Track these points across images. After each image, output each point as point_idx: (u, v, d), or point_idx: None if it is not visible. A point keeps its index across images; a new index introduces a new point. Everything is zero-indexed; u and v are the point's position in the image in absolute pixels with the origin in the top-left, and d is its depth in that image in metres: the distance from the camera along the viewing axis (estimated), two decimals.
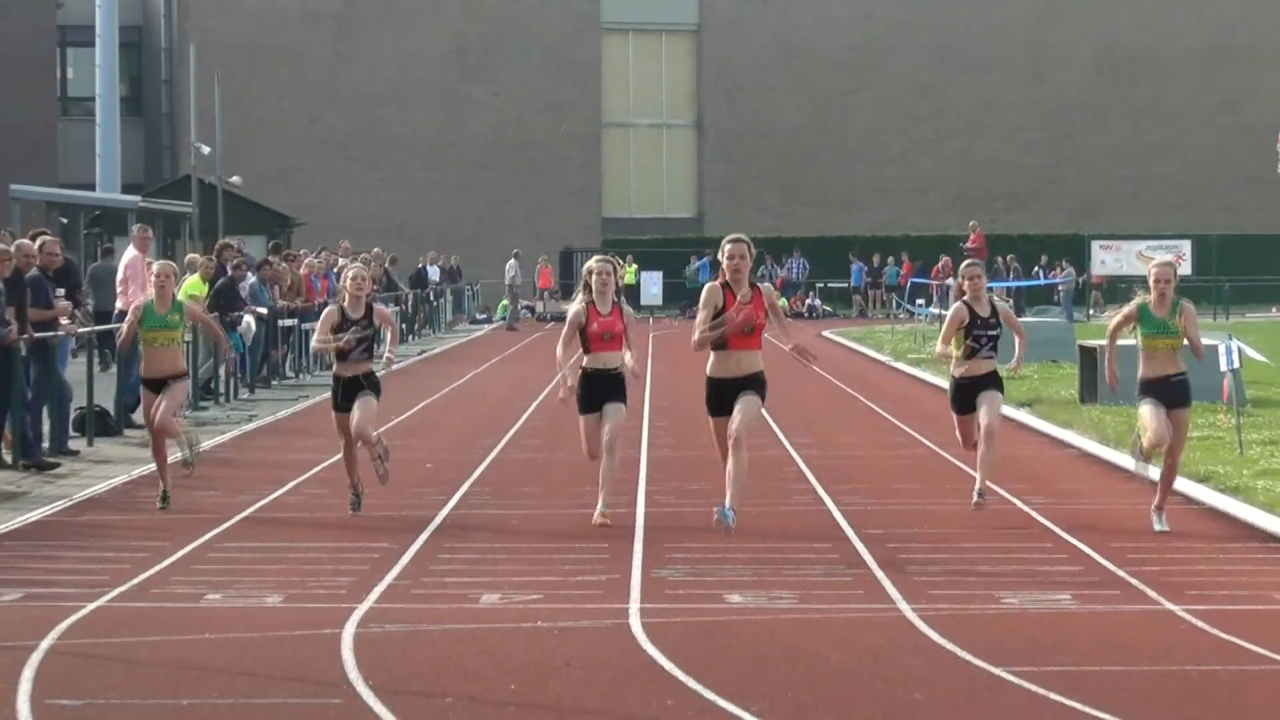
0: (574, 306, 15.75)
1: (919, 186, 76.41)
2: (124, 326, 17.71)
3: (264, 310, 30.57)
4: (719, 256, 14.60)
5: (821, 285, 66.45)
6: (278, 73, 73.06)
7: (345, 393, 16.16)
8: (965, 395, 15.81)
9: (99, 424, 23.17)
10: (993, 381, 15.83)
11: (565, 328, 15.59)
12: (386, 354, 16.61)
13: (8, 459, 20.09)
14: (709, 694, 9.53)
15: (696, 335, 14.41)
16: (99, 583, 12.88)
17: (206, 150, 53.90)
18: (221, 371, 28.48)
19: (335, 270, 42.36)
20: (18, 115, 62.31)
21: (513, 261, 58.66)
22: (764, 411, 14.57)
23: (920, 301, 53.37)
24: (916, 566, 13.43)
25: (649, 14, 78.21)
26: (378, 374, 16.36)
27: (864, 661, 10.41)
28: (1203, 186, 76.49)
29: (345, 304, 16.26)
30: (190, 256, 31.94)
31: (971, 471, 16.23)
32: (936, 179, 76.70)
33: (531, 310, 62.42)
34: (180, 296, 28.60)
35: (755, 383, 14.37)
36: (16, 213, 45.42)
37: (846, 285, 67.41)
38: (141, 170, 70.63)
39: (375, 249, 51.56)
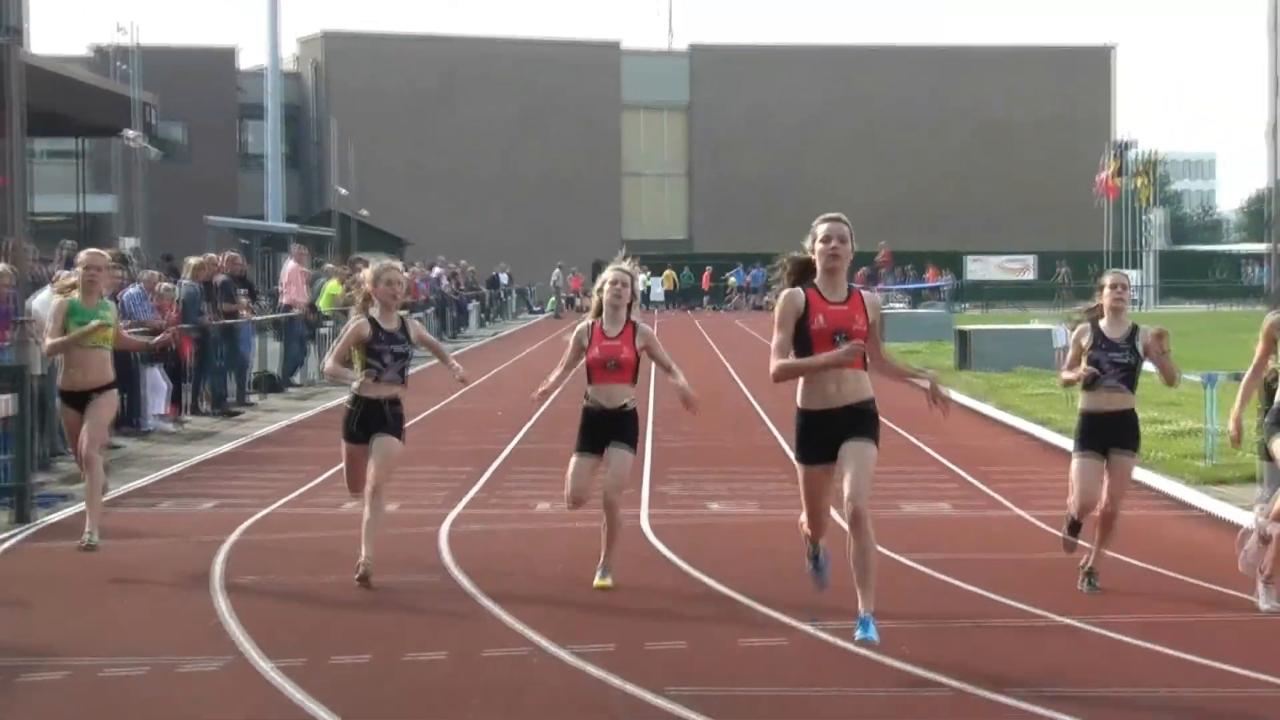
0: (579, 325, 9.34)
1: (853, 217, 75.70)
2: (46, 337, 10.25)
3: None
4: (808, 243, 7.43)
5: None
6: (393, 136, 73.27)
7: (364, 420, 9.30)
8: (1094, 432, 8.95)
9: (269, 384, 23.29)
10: (1128, 430, 8.90)
11: (568, 350, 9.28)
12: (461, 373, 9.60)
13: (206, 408, 20.19)
14: (698, 574, 9.55)
15: (776, 362, 7.10)
16: (268, 495, 12.94)
17: (344, 192, 53.94)
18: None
19: (435, 277, 42.38)
20: (210, 167, 62.82)
21: (557, 270, 59.59)
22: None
23: None
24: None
25: (655, 95, 79.09)
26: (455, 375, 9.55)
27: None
28: (1045, 216, 76.57)
29: (375, 313, 9.34)
30: (327, 266, 32.04)
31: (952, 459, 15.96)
32: (866, 211, 76.27)
33: (572, 303, 62.37)
34: (323, 296, 28.53)
35: (865, 417, 7.11)
36: (210, 236, 45.44)
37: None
38: (298, 206, 70.60)
39: (462, 260, 51.68)
